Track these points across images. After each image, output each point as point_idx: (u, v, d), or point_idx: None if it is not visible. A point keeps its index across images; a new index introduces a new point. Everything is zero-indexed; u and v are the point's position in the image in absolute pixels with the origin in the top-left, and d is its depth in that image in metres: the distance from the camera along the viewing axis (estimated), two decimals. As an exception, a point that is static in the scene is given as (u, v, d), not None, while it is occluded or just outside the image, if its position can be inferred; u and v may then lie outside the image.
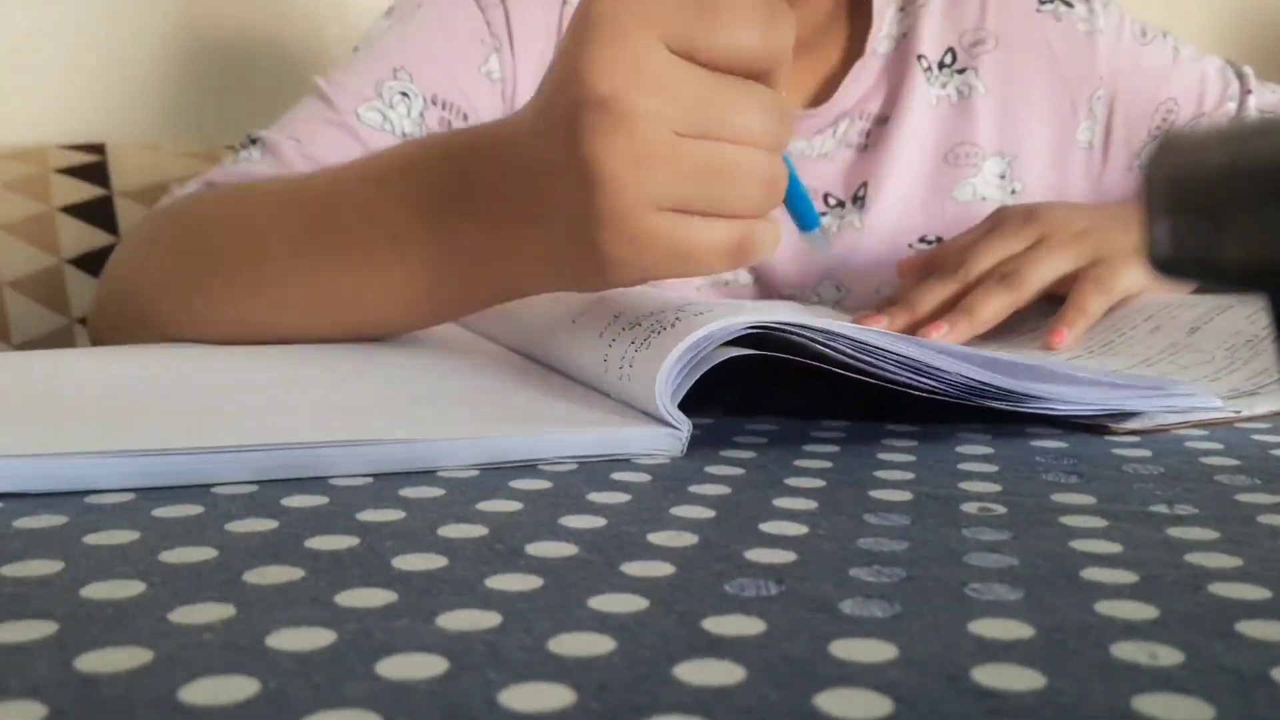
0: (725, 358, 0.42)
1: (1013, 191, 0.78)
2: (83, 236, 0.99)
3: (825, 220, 0.76)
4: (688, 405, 0.42)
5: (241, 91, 1.16)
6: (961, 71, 0.77)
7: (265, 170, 0.67)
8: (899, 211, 0.76)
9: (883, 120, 0.77)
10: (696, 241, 0.42)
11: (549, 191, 0.43)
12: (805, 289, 0.77)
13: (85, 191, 1.01)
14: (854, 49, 0.78)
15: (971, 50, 0.78)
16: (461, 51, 0.73)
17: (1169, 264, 0.19)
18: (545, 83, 0.44)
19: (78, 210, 1.00)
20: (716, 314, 0.42)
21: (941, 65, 0.77)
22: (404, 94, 0.71)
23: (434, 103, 0.71)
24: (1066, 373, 0.46)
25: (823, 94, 0.78)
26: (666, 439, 0.41)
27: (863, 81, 0.77)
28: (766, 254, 0.44)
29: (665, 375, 0.41)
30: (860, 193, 0.76)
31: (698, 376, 0.42)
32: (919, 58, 0.77)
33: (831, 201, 0.76)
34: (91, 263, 0.97)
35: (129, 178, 1.03)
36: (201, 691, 0.23)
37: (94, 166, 1.03)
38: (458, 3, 0.74)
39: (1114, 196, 0.78)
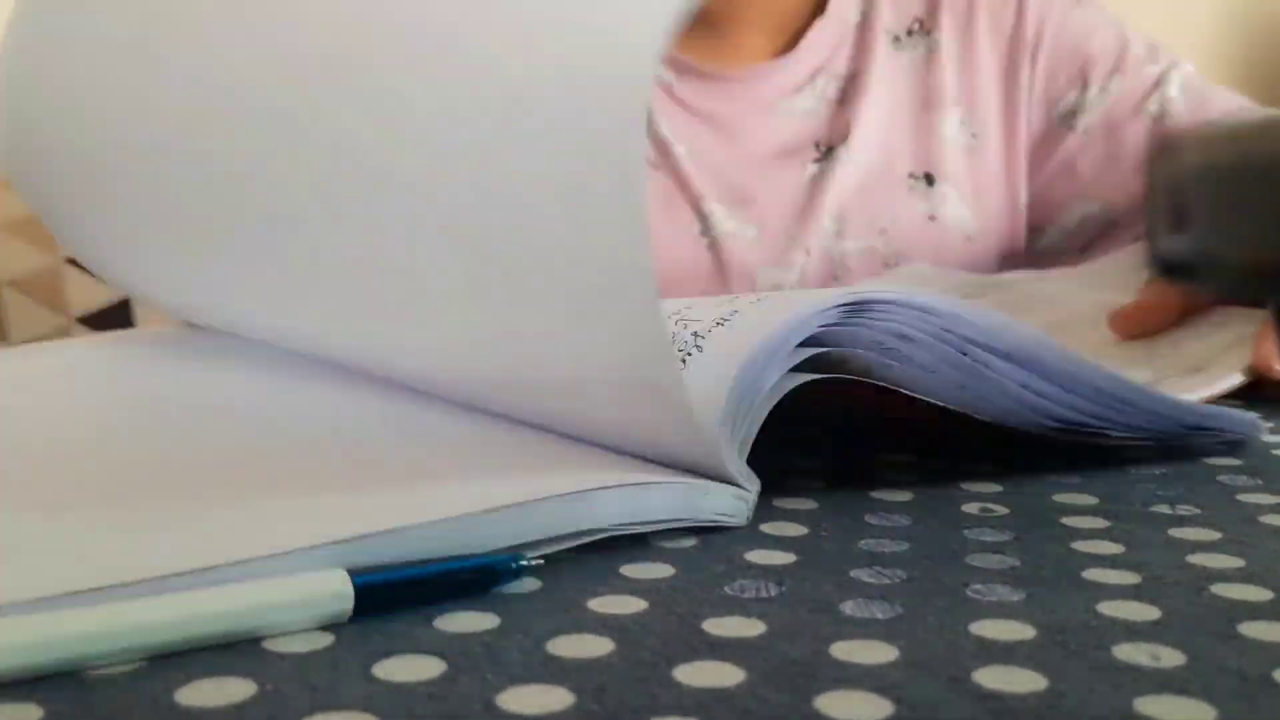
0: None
1: (973, 135, 0.85)
2: (82, 236, 0.98)
3: (813, 169, 0.83)
4: None
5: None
6: (928, 34, 0.86)
7: None
8: (882, 142, 0.83)
9: (853, 77, 0.85)
10: None
11: None
12: (805, 230, 0.81)
13: (84, 191, 1.00)
14: (820, 13, 0.87)
15: (932, 14, 0.86)
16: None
17: (1170, 264, 0.18)
18: None
19: (77, 210, 0.99)
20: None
21: (909, 33, 0.86)
22: None
23: None
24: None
25: (791, 49, 0.86)
26: (733, 502, 0.33)
27: (827, 38, 0.85)
28: None
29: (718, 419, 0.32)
30: (845, 132, 0.84)
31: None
32: (885, 31, 0.85)
33: (822, 148, 0.83)
34: (91, 263, 0.97)
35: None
36: (198, 693, 0.23)
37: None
38: None
39: (1034, 143, 0.85)
